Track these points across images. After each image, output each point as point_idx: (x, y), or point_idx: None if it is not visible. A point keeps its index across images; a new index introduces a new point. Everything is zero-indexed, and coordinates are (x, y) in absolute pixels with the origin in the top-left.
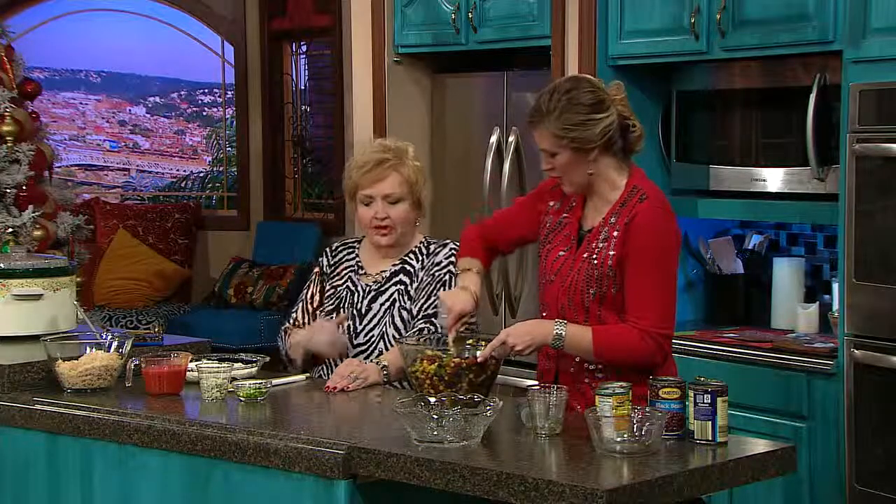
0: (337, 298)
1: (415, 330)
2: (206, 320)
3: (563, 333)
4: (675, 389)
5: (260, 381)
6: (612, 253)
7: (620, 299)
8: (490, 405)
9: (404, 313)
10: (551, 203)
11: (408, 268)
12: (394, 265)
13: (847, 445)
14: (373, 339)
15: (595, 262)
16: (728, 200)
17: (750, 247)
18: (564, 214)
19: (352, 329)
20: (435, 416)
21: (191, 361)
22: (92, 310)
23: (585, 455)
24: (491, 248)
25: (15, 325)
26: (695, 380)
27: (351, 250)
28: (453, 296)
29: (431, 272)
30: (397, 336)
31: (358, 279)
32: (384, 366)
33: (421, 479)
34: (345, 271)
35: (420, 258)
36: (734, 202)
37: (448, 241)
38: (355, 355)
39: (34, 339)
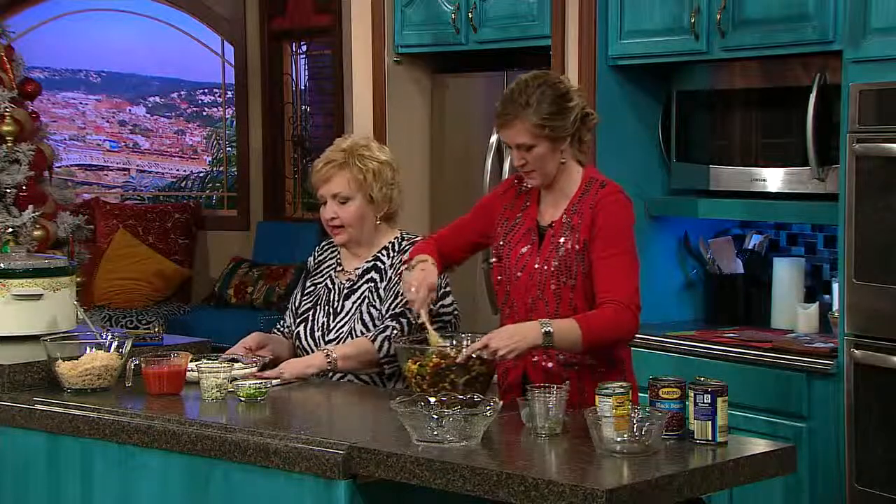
0: (315, 296)
1: (381, 328)
2: (206, 320)
3: (552, 330)
4: (675, 389)
5: (260, 381)
6: (578, 239)
7: (589, 285)
8: (490, 405)
9: (373, 310)
10: (503, 206)
11: (379, 265)
12: (366, 262)
13: (847, 445)
14: (342, 336)
15: (563, 252)
16: (728, 200)
17: (750, 247)
18: (519, 214)
19: (325, 326)
20: (435, 416)
21: (191, 361)
22: (92, 310)
23: (585, 455)
24: (444, 256)
25: (15, 325)
26: (695, 380)
27: (334, 249)
28: (413, 274)
29: (399, 269)
30: (364, 332)
31: (336, 276)
32: (328, 352)
33: (421, 479)
34: (326, 269)
35: (391, 255)
36: (734, 202)
37: (420, 237)
38: None
39: (34, 339)
